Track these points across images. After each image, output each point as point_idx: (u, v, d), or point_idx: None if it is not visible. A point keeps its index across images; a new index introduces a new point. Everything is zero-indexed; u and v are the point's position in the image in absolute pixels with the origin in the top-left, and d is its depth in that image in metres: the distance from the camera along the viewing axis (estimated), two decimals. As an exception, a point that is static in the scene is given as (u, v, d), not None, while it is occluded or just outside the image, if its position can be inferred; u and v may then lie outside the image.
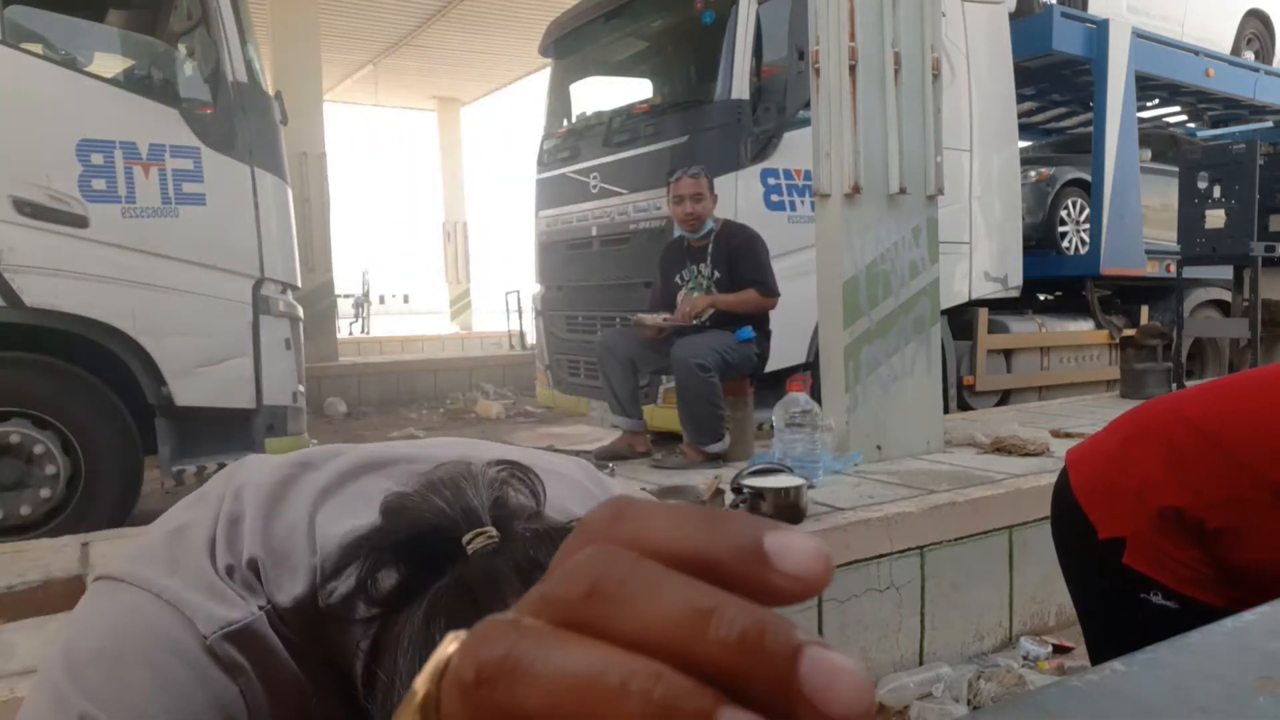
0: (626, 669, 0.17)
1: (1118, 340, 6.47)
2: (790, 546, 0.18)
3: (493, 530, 0.50)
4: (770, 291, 3.69)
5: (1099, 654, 1.34)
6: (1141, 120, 7.04)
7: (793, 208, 4.72)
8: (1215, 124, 8.74)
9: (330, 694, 0.54)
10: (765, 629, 0.17)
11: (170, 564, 0.53)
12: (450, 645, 0.19)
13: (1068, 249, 6.79)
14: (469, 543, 0.49)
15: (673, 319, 3.69)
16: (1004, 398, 6.17)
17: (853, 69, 3.46)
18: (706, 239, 3.75)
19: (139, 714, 0.45)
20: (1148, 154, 6.94)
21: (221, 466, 1.61)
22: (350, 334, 14.54)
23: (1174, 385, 5.25)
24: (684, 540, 0.19)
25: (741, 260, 3.68)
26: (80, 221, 3.34)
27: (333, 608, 0.52)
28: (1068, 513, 1.34)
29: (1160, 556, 1.21)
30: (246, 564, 0.53)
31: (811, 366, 4.42)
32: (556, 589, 0.19)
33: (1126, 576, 1.24)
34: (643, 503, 0.20)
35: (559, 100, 6.08)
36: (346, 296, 15.24)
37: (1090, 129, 6.74)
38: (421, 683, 0.19)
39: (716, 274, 3.73)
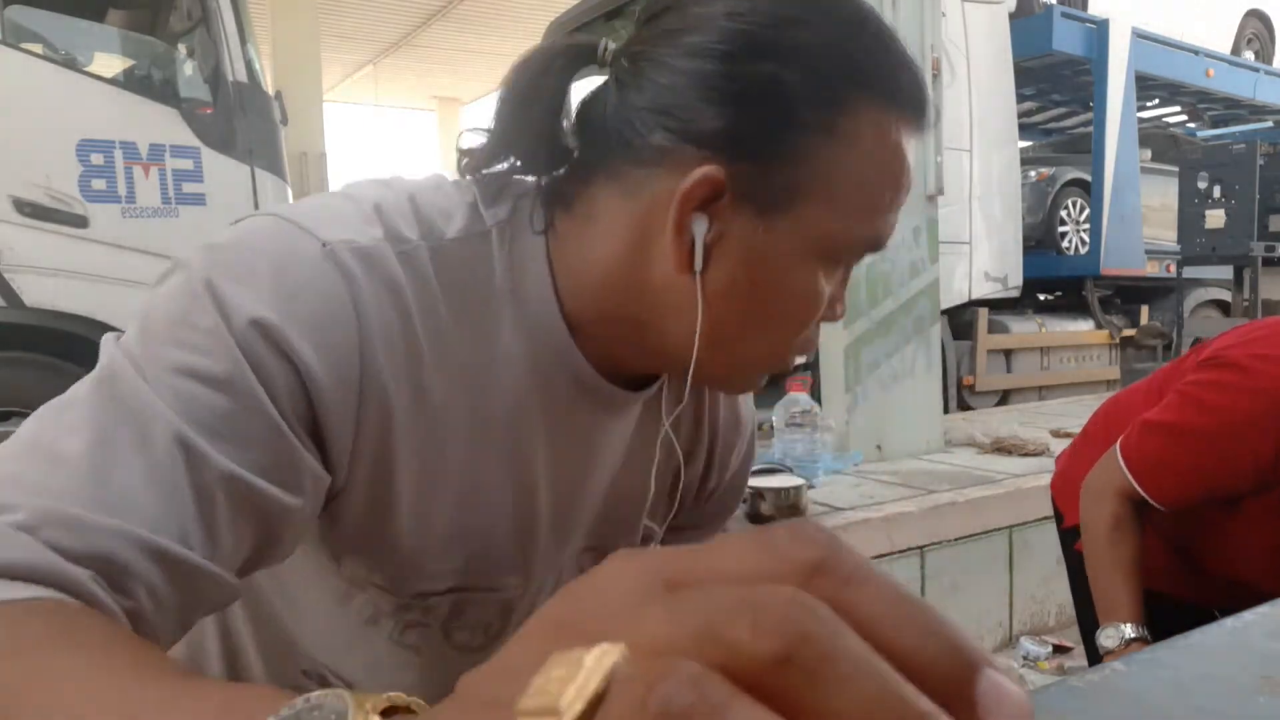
0: None
1: (1118, 340, 6.48)
2: (1006, 698, 0.16)
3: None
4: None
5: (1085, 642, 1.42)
6: (1141, 120, 7.04)
7: (793, 208, 4.72)
8: (1215, 124, 8.74)
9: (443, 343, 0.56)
10: None
11: (299, 203, 0.58)
12: (606, 658, 0.16)
13: (1068, 249, 6.78)
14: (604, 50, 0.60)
15: None
16: (1004, 398, 6.16)
17: (853, 69, 3.46)
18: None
19: (254, 287, 0.50)
20: (1148, 154, 6.94)
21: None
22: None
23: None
24: (895, 629, 0.17)
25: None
26: (80, 221, 3.34)
27: (501, 225, 0.58)
28: (1053, 507, 1.44)
29: None
30: (407, 200, 0.57)
31: (811, 366, 4.42)
32: (742, 639, 0.16)
33: (1082, 562, 1.30)
34: (853, 558, 0.18)
35: (559, 100, 6.08)
36: (346, 296, 15.22)
37: (1090, 129, 6.74)
38: (569, 701, 0.16)
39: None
